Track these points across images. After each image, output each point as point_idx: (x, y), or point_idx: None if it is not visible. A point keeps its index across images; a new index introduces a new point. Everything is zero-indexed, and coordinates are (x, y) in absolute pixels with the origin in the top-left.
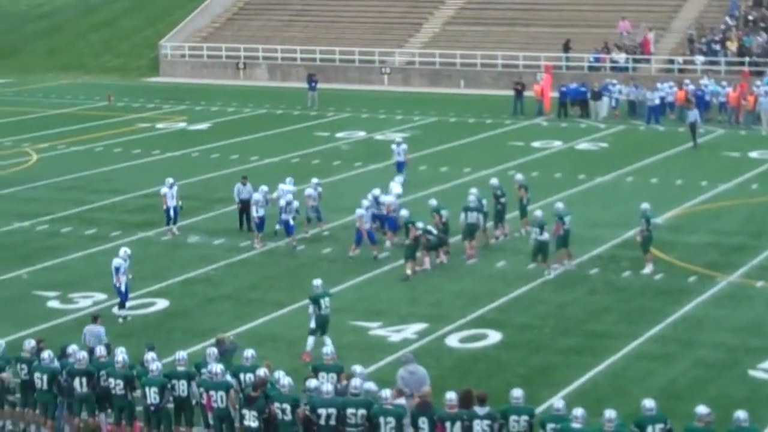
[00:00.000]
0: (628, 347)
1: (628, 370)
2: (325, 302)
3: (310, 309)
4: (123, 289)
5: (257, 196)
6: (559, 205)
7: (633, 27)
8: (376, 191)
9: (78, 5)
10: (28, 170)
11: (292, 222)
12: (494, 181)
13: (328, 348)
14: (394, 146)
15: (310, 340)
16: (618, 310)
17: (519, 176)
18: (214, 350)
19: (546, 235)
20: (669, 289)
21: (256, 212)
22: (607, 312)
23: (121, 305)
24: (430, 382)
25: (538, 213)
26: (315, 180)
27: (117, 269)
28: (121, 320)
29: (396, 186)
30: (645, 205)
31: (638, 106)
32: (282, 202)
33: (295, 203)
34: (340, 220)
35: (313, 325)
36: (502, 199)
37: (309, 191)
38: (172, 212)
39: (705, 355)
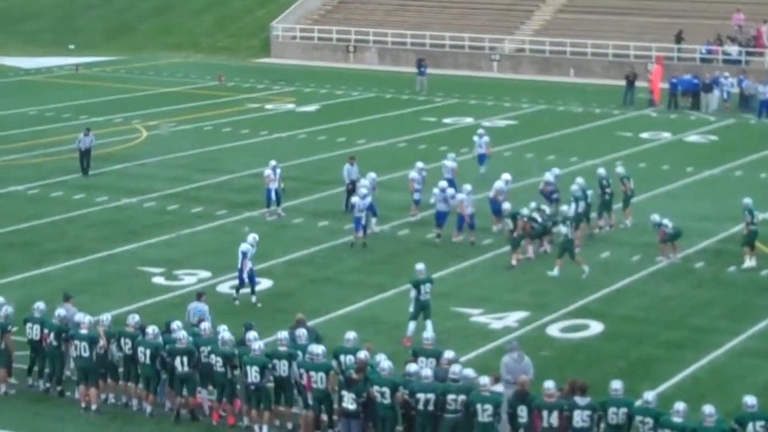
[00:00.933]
0: (731, 343)
1: (730, 366)
2: (425, 288)
3: (412, 293)
4: (246, 275)
5: (364, 182)
6: (655, 216)
7: (747, 20)
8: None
9: None
10: (137, 147)
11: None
12: (601, 171)
13: (429, 333)
14: (476, 138)
15: (411, 325)
16: (722, 305)
17: (620, 168)
18: (305, 332)
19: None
20: None
21: (362, 197)
22: (710, 306)
23: (238, 288)
24: (533, 372)
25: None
26: (420, 164)
27: (244, 254)
28: (236, 302)
29: (506, 175)
30: (747, 200)
31: (750, 99)
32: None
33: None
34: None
35: (412, 309)
36: (608, 190)
37: (413, 174)
38: (273, 194)
39: None
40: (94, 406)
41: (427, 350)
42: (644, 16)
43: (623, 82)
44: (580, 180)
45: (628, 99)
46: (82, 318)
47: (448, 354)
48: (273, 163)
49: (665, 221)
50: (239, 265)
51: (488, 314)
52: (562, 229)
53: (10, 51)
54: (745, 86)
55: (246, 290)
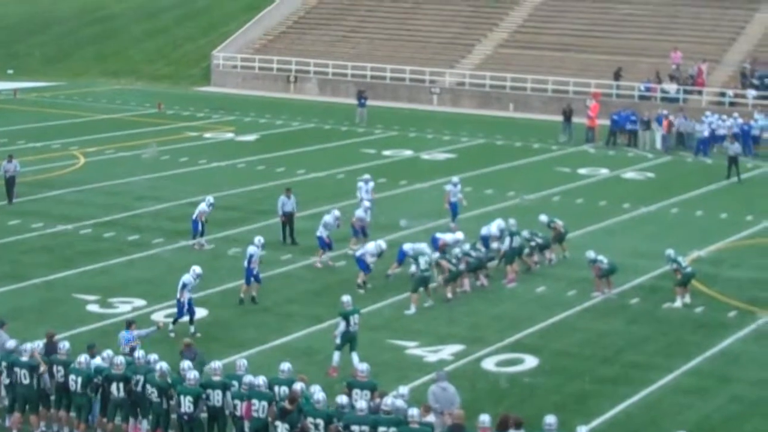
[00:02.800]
0: (665, 379)
1: (663, 402)
2: (354, 319)
3: (341, 325)
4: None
5: (328, 219)
6: (590, 252)
7: (685, 58)
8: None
9: (136, 11)
10: (75, 173)
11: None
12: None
13: (363, 365)
14: (361, 183)
15: (336, 355)
16: (656, 342)
17: (543, 217)
18: (245, 362)
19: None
20: (708, 322)
21: (322, 233)
22: (645, 343)
23: (176, 320)
24: (460, 401)
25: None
26: (366, 203)
27: (184, 285)
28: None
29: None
30: (669, 251)
31: (686, 137)
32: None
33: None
34: (383, 238)
35: (339, 341)
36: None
37: (359, 213)
38: (200, 226)
39: (742, 391)
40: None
41: (362, 382)
42: (584, 53)
43: (561, 118)
44: (512, 220)
45: (567, 134)
46: (18, 345)
47: (401, 389)
48: (210, 199)
49: (600, 257)
50: (177, 296)
51: (424, 347)
52: (421, 263)
53: None
54: (679, 124)
55: (185, 319)
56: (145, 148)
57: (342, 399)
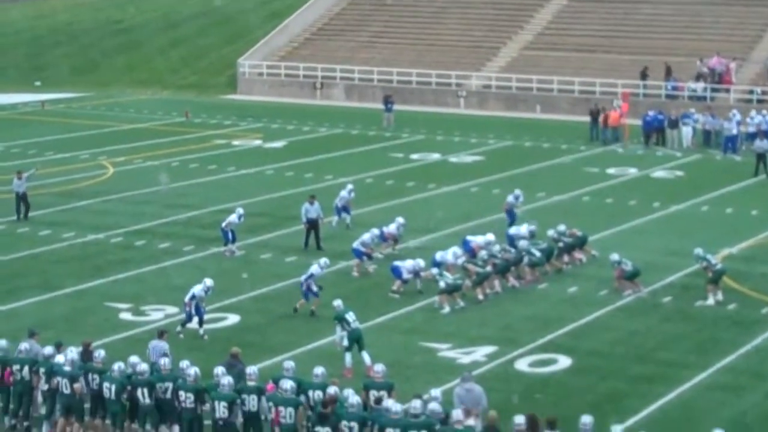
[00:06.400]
0: (699, 377)
1: (698, 400)
2: (350, 317)
3: (338, 328)
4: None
5: (366, 237)
6: (615, 255)
7: (718, 63)
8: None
9: (158, 21)
10: (104, 183)
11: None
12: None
13: (379, 366)
14: (344, 192)
15: (348, 356)
16: (690, 340)
17: (551, 232)
18: (292, 364)
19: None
20: (742, 319)
21: (358, 246)
22: (678, 341)
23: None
24: (487, 403)
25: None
26: (401, 219)
27: (193, 297)
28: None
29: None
30: (698, 250)
31: (714, 135)
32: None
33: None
34: (412, 241)
35: (346, 343)
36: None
37: (390, 228)
38: (230, 234)
39: None
40: None
41: (378, 383)
42: (610, 53)
43: (588, 118)
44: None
45: (595, 135)
46: (55, 351)
47: (433, 392)
48: (241, 211)
49: (624, 260)
50: (185, 302)
51: (456, 349)
52: (442, 283)
53: None
54: (708, 122)
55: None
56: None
57: (416, 404)
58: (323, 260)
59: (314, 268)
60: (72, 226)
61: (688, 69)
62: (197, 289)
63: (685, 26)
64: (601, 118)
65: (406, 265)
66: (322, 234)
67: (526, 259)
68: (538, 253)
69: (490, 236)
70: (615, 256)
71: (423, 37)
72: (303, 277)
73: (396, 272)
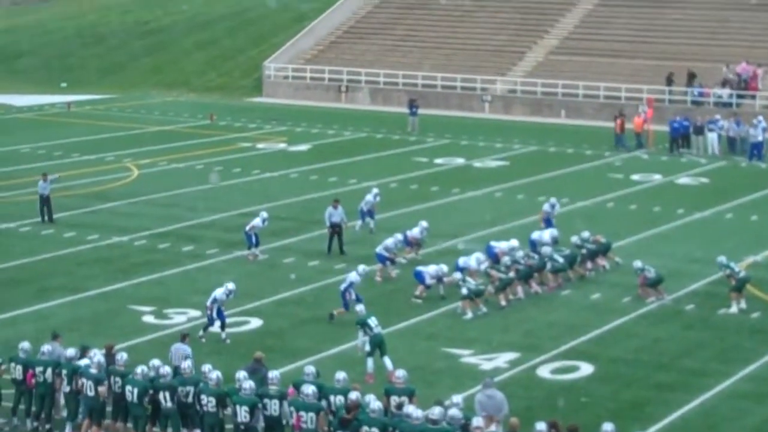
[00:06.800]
0: (722, 385)
1: (721, 408)
2: (373, 321)
3: (361, 333)
4: (214, 314)
5: (390, 242)
6: (637, 262)
7: (735, 63)
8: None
9: (184, 23)
10: (129, 185)
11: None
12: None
13: (400, 371)
14: (369, 196)
15: (369, 362)
16: (712, 348)
17: (574, 238)
18: (312, 369)
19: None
20: (765, 328)
21: (381, 251)
22: (701, 349)
23: (206, 327)
24: (508, 409)
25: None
26: (424, 223)
27: (215, 300)
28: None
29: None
30: (721, 258)
31: (739, 142)
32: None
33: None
34: (435, 247)
35: (368, 348)
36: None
37: (414, 232)
38: (254, 238)
39: None
40: None
41: (400, 388)
42: (635, 59)
43: (613, 124)
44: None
45: (620, 141)
46: (77, 352)
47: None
48: (265, 215)
49: (647, 266)
50: (207, 306)
51: (478, 355)
52: (464, 290)
53: (2, 88)
54: (733, 129)
55: (216, 329)
56: (211, 175)
57: (435, 410)
58: (361, 267)
59: (353, 276)
60: (97, 229)
61: (714, 75)
62: (219, 293)
63: (711, 32)
64: (618, 123)
65: (429, 270)
66: (345, 238)
67: (549, 266)
68: (561, 260)
69: (514, 242)
70: (638, 263)
71: (448, 41)
72: (342, 287)
73: (419, 277)
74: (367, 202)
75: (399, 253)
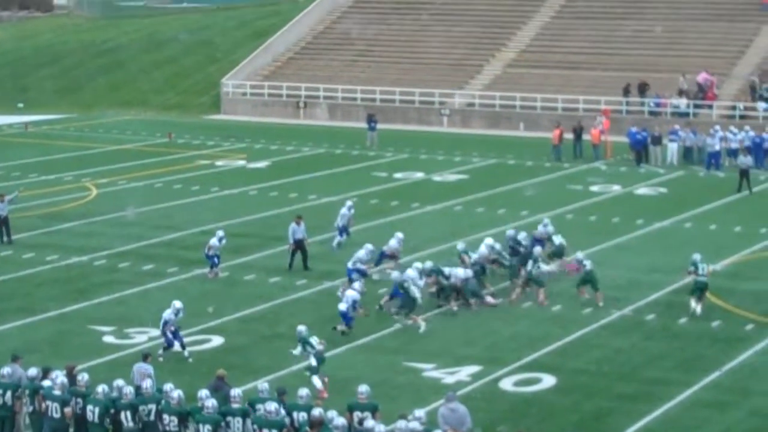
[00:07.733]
0: (683, 395)
1: (683, 417)
2: (315, 341)
3: (297, 350)
4: (170, 335)
5: (362, 253)
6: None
7: (703, 79)
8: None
9: (139, 43)
10: (88, 205)
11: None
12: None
13: (364, 387)
14: (344, 210)
15: (315, 379)
16: (673, 357)
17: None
18: (266, 386)
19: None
20: (726, 336)
21: (353, 265)
22: (663, 358)
23: (165, 348)
24: (471, 422)
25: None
26: (400, 235)
27: (165, 322)
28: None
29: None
30: (696, 255)
31: (697, 151)
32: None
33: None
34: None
35: (314, 362)
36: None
37: (392, 244)
38: (215, 259)
39: (761, 404)
40: None
41: (363, 404)
42: (593, 70)
43: (572, 136)
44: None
45: (578, 152)
46: (39, 372)
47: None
48: (221, 233)
49: (585, 261)
50: (161, 329)
51: (441, 369)
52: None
53: None
54: (689, 138)
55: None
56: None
57: (400, 424)
58: (358, 284)
59: (353, 295)
60: (55, 249)
61: (671, 85)
62: (167, 314)
63: (668, 42)
64: (555, 134)
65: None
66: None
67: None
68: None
69: (469, 272)
70: (579, 255)
71: (406, 56)
72: (346, 306)
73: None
74: (342, 216)
75: (372, 265)
